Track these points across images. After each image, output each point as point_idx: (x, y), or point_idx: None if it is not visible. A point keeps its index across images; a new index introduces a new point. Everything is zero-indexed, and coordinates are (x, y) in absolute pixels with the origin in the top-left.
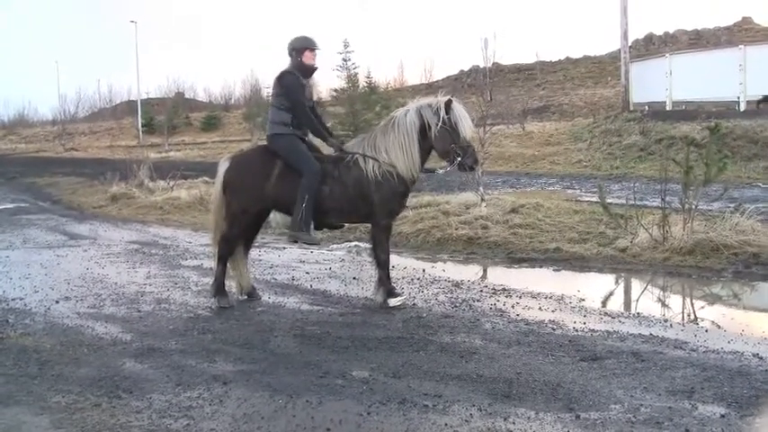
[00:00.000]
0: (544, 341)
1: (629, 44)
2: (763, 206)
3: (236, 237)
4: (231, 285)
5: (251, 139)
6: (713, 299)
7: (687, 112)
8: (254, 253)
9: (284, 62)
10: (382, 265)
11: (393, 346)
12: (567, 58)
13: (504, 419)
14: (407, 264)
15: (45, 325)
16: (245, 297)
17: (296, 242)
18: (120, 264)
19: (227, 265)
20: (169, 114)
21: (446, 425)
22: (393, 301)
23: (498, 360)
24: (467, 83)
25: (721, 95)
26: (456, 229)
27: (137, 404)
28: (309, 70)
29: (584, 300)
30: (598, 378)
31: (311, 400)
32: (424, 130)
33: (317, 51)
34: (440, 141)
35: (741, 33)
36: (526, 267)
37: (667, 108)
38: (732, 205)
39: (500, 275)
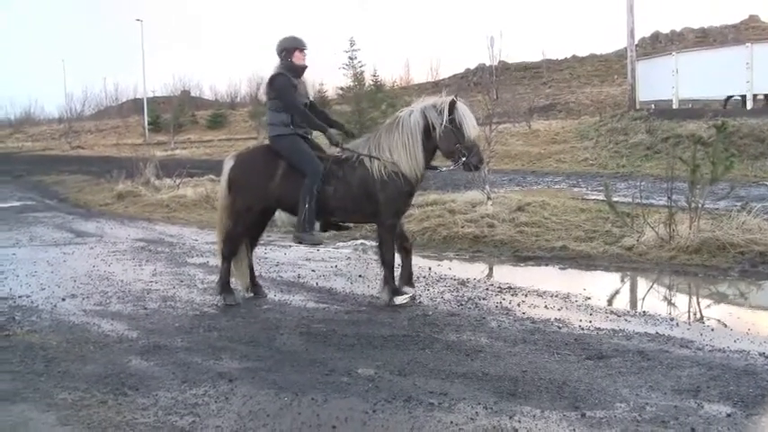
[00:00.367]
0: (550, 339)
1: (636, 42)
2: None
3: (241, 234)
4: (237, 283)
5: (257, 137)
6: (719, 298)
7: (694, 110)
8: (259, 251)
9: (274, 63)
10: (387, 264)
11: (399, 344)
12: (574, 57)
13: (510, 418)
14: (413, 262)
15: (51, 322)
16: (251, 295)
17: (301, 243)
18: (127, 261)
19: (233, 263)
20: (175, 112)
21: (452, 423)
22: (399, 299)
23: (504, 358)
24: (473, 81)
25: (728, 94)
26: (462, 228)
27: (143, 401)
28: (300, 70)
29: (590, 298)
30: (604, 376)
31: (317, 397)
32: (428, 130)
33: (305, 51)
34: (444, 141)
35: (748, 31)
36: (532, 266)
37: (674, 106)
38: (739, 204)
39: (506, 274)
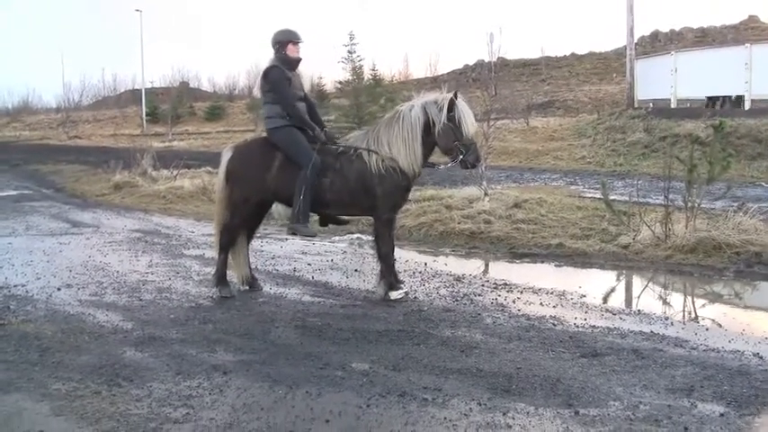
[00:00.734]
0: (545, 337)
1: (635, 41)
2: (766, 205)
3: (238, 226)
4: (233, 275)
5: (255, 129)
6: (714, 297)
7: (692, 109)
8: (256, 244)
9: (269, 56)
10: (384, 259)
11: (393, 339)
12: (573, 54)
13: (504, 414)
14: (409, 257)
15: (46, 312)
16: (247, 287)
17: (295, 234)
18: (123, 252)
19: (229, 255)
20: (173, 104)
21: (445, 418)
22: (394, 294)
23: (498, 355)
24: (472, 77)
25: (727, 94)
26: (458, 224)
27: (137, 392)
28: (294, 62)
29: (585, 296)
30: (598, 374)
31: (311, 391)
32: (428, 126)
33: (300, 44)
34: (443, 138)
35: (747, 32)
36: (528, 262)
37: (672, 105)
38: (735, 204)
39: (502, 270)
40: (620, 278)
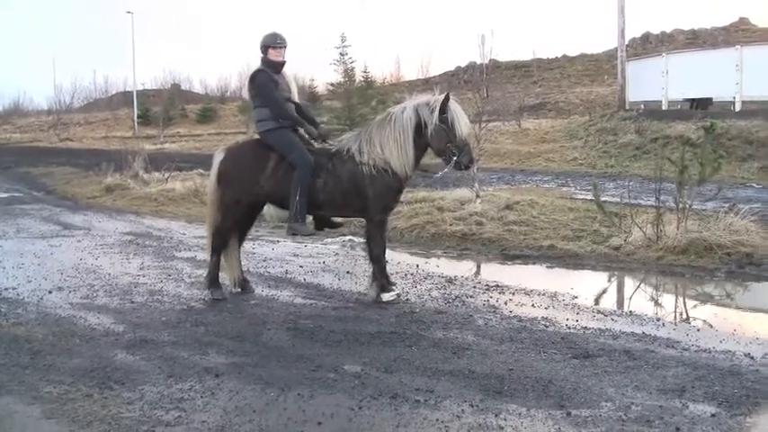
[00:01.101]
0: (536, 338)
1: (626, 43)
2: (756, 206)
3: (230, 228)
4: (225, 278)
5: (246, 131)
6: (706, 298)
7: (683, 111)
8: (247, 246)
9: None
10: (376, 260)
11: (386, 341)
12: (564, 56)
13: (496, 415)
14: (401, 259)
15: (37, 315)
16: (239, 290)
17: (294, 234)
18: (114, 255)
19: (221, 257)
20: (165, 106)
21: (437, 420)
22: (386, 296)
23: (490, 356)
24: (463, 79)
25: (717, 96)
26: (450, 225)
27: (128, 395)
28: (277, 65)
29: (577, 297)
30: (590, 375)
31: (303, 393)
32: (419, 127)
33: (281, 47)
34: (436, 140)
35: (738, 34)
36: (520, 264)
37: (663, 107)
38: (726, 205)
39: (494, 272)
40: (612, 279)
